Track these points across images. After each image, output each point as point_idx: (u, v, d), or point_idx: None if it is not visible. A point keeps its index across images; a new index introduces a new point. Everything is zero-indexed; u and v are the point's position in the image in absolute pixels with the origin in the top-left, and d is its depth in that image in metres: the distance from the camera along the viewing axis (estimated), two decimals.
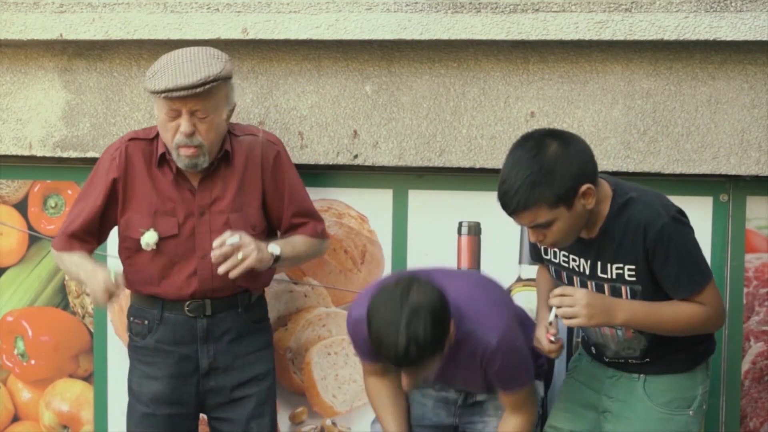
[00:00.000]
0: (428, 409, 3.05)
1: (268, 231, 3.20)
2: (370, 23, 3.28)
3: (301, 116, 3.47)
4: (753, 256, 3.34)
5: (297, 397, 3.62)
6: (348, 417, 3.59)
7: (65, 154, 3.61)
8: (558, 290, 2.69)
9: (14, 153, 3.65)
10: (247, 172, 3.11)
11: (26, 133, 3.64)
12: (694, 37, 3.12)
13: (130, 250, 3.12)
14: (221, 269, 2.92)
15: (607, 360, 2.86)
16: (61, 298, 3.76)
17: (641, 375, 2.79)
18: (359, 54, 3.41)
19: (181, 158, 3.01)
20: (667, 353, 2.77)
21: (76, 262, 3.07)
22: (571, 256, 2.77)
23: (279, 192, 3.16)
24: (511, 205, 2.61)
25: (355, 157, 3.45)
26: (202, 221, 3.07)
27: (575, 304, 2.63)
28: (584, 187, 2.61)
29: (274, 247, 3.04)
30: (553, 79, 3.32)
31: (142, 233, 3.06)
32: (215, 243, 2.93)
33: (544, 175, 2.57)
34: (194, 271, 3.08)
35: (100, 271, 2.94)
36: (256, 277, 3.12)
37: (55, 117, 3.61)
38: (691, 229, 2.72)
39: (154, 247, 3.06)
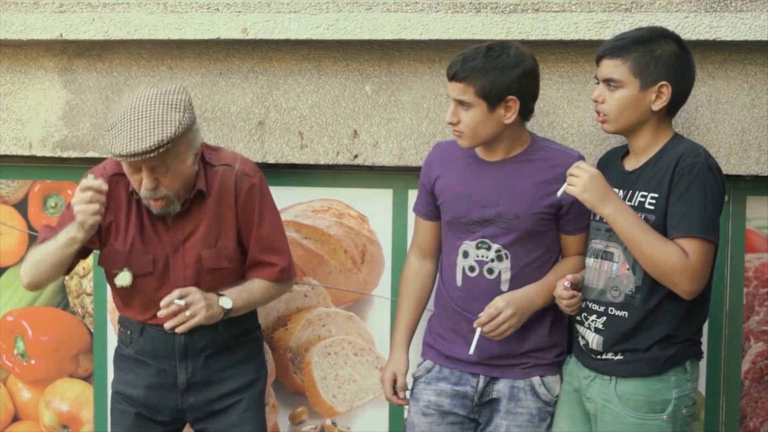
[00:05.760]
0: (446, 402, 3.04)
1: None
2: (370, 23, 3.28)
3: (301, 116, 3.47)
4: (753, 256, 3.34)
5: (297, 397, 3.62)
6: (348, 417, 3.59)
7: (65, 154, 3.61)
8: (578, 162, 2.78)
9: (14, 153, 3.65)
10: (221, 204, 3.03)
11: (26, 133, 3.64)
12: (694, 37, 3.12)
13: (109, 280, 3.14)
14: (167, 325, 2.90)
15: (587, 308, 2.85)
16: (61, 298, 3.76)
17: (612, 377, 2.79)
18: (359, 54, 3.41)
19: (152, 207, 2.96)
20: (641, 339, 2.75)
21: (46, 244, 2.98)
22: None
23: (248, 225, 3.07)
24: (608, 45, 2.81)
25: (355, 157, 3.45)
26: (176, 257, 3.02)
27: (581, 175, 2.72)
28: (664, 85, 2.75)
29: (226, 301, 2.98)
30: (553, 79, 3.32)
31: (116, 274, 3.05)
32: (162, 303, 2.89)
33: (652, 46, 2.75)
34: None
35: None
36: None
37: (55, 117, 3.61)
38: (720, 187, 2.73)
39: (129, 285, 3.05)
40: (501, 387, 2.99)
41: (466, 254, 3.00)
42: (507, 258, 2.96)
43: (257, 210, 3.06)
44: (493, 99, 2.86)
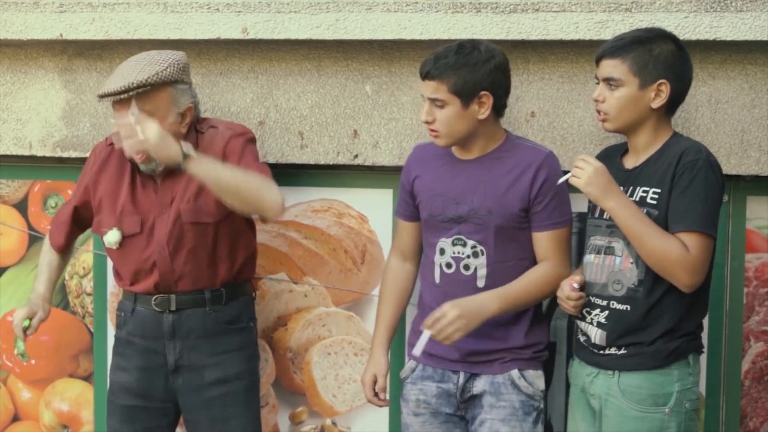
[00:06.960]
0: (432, 400, 3.05)
1: (244, 220, 3.16)
2: (370, 23, 3.28)
3: (301, 116, 3.47)
4: (753, 256, 3.34)
5: (297, 397, 3.62)
6: (348, 417, 3.59)
7: (65, 154, 3.61)
8: (584, 155, 2.81)
9: (14, 153, 3.65)
10: None
11: (26, 133, 3.64)
12: (694, 37, 3.12)
13: (105, 248, 3.20)
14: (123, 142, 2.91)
15: (589, 302, 2.86)
16: (61, 298, 3.76)
17: (615, 372, 2.81)
18: (359, 54, 3.41)
19: (137, 163, 3.06)
20: (646, 333, 2.77)
21: (41, 267, 3.33)
22: None
23: (235, 160, 3.08)
24: (607, 45, 2.83)
25: (355, 156, 3.45)
26: (162, 217, 3.08)
27: (586, 168, 2.75)
28: (663, 83, 2.79)
29: (189, 148, 2.92)
30: (553, 79, 3.32)
31: (105, 233, 3.12)
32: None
33: (651, 45, 2.79)
34: (153, 264, 3.10)
35: (22, 310, 3.19)
36: (210, 263, 3.12)
37: (55, 117, 3.61)
38: (720, 184, 2.76)
39: (117, 246, 3.11)
40: (481, 383, 3.00)
41: (442, 251, 3.03)
42: (483, 254, 2.98)
43: (244, 152, 3.09)
44: (466, 95, 2.90)
